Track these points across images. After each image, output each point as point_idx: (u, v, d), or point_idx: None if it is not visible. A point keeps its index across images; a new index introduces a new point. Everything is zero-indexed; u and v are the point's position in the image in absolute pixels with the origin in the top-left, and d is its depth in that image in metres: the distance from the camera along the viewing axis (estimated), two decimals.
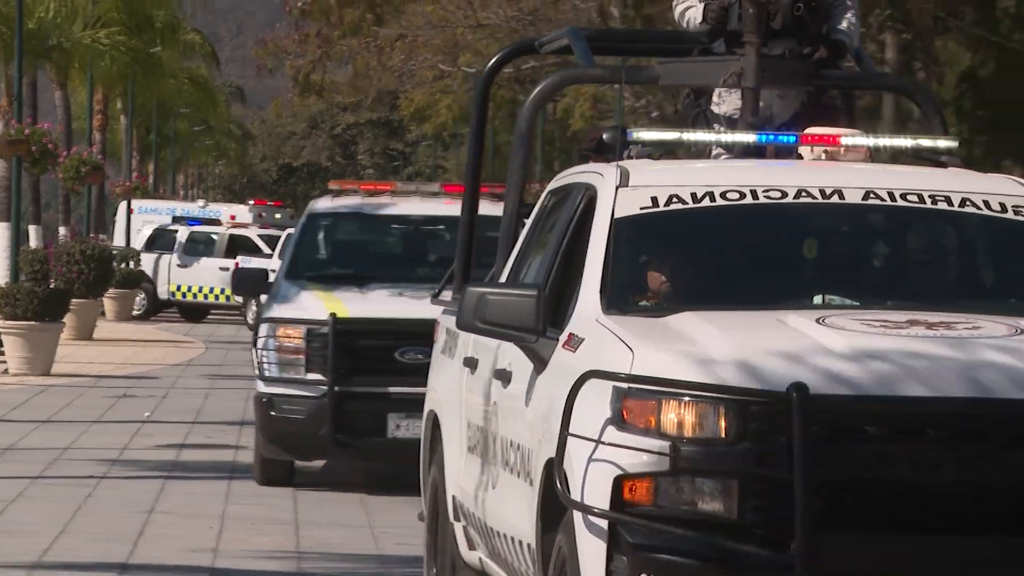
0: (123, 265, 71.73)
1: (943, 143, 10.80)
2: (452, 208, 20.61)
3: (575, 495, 7.37)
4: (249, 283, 26.30)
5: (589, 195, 9.80)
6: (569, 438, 7.43)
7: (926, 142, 10.88)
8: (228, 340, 64.02)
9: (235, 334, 65.86)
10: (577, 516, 7.41)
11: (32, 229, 63.58)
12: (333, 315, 18.30)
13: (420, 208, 22.15)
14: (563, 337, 8.52)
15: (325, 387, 18.24)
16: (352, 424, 18.50)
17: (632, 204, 9.06)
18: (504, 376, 9.72)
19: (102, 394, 42.32)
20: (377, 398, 18.62)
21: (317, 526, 19.68)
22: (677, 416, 7.16)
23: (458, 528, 11.55)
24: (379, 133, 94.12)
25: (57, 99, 76.72)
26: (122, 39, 72.02)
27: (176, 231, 78.89)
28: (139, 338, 64.30)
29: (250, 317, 63.98)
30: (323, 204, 22.37)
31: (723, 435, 7.17)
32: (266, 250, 71.99)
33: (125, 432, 33.93)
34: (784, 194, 9.23)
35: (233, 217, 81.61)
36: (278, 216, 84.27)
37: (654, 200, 9.07)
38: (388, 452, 18.65)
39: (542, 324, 8.58)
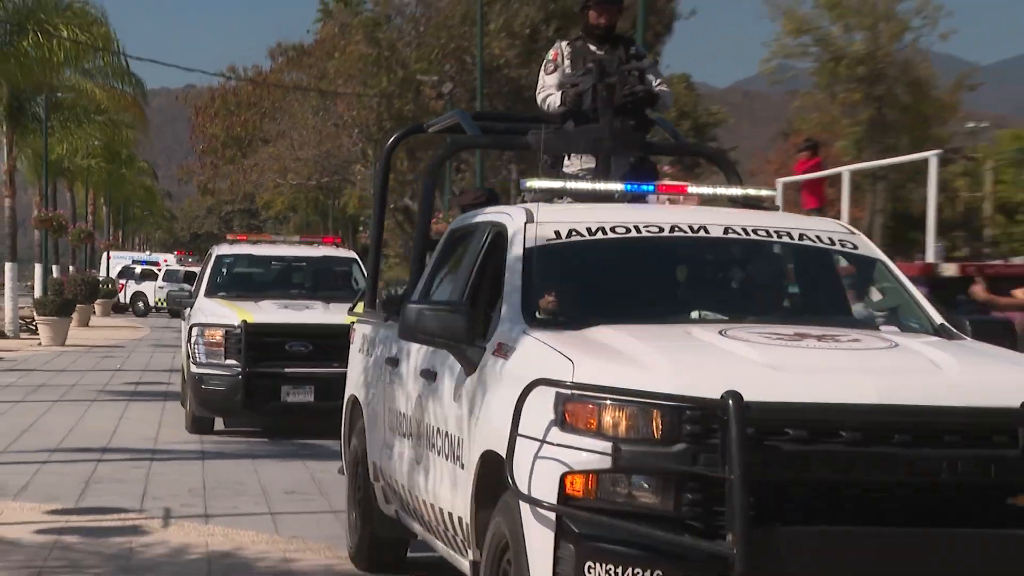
0: (105, 287, 79.66)
1: (765, 192, 11.42)
2: (307, 250, 26.67)
3: (522, 489, 7.41)
4: (175, 300, 27.80)
5: (496, 231, 10.26)
6: (517, 437, 7.47)
7: (752, 191, 11.37)
8: (162, 327, 65.59)
9: (166, 323, 67.49)
10: (524, 506, 7.50)
11: (54, 267, 66.76)
12: (244, 321, 20.92)
13: (287, 250, 26.17)
14: (491, 346, 8.85)
15: (239, 368, 20.53)
16: (256, 393, 20.54)
17: (540, 236, 9.42)
18: (429, 375, 10.09)
19: (94, 355, 46.65)
20: (273, 376, 20.86)
21: (222, 442, 21.50)
22: (618, 419, 7.27)
23: (377, 487, 11.97)
24: (245, 215, 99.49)
25: (68, 197, 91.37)
26: (103, 165, 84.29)
27: (134, 267, 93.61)
28: (113, 325, 68.18)
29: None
30: (224, 248, 25.55)
31: (660, 437, 7.25)
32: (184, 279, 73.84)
33: (107, 375, 37.70)
34: (661, 229, 9.70)
35: (165, 260, 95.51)
36: (190, 260, 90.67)
37: (557, 233, 9.51)
38: (280, 411, 21.29)
39: (471, 335, 9.02)
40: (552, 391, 7.44)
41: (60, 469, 18.81)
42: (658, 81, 11.76)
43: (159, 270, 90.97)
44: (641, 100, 11.40)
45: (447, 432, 9.37)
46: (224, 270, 23.48)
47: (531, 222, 9.44)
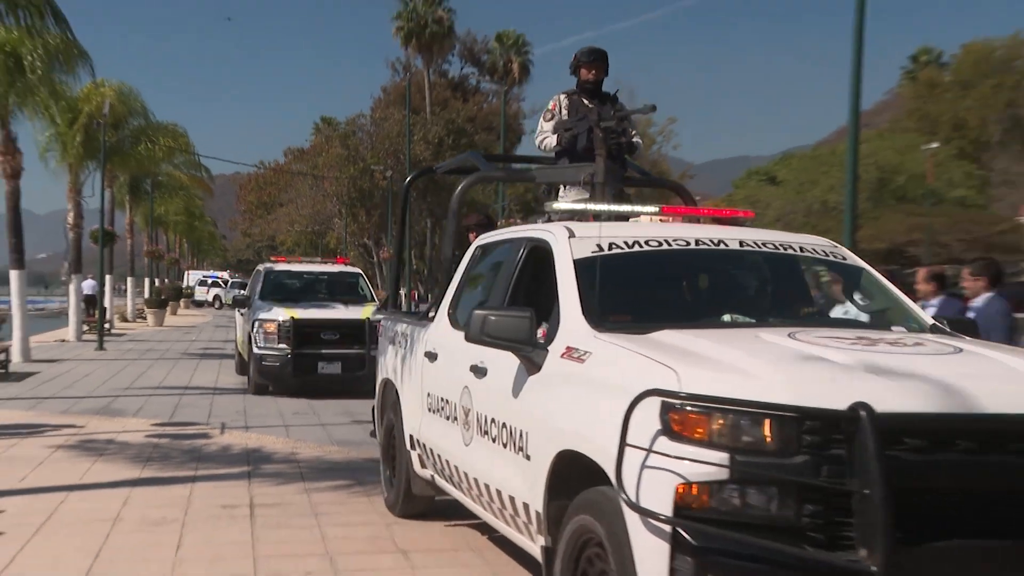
0: (185, 291, 78.15)
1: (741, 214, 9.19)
2: (326, 267, 24.27)
3: (631, 497, 5.24)
4: (237, 300, 24.27)
5: (534, 245, 7.95)
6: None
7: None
8: (219, 315, 63.45)
9: (222, 314, 65.21)
10: (629, 512, 5.31)
11: (156, 280, 66.27)
12: (292, 317, 19.39)
13: (312, 267, 24.18)
14: (557, 349, 6.70)
15: (288, 350, 19.15)
16: (300, 367, 19.35)
17: (584, 249, 7.30)
18: (478, 371, 7.70)
19: (179, 331, 44.37)
20: (312, 355, 19.40)
21: (276, 401, 19.02)
22: (735, 430, 5.17)
23: (413, 454, 9.41)
24: (268, 249, 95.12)
25: (164, 238, 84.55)
26: (185, 219, 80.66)
27: (206, 280, 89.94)
28: (190, 314, 65.82)
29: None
30: (269, 266, 23.39)
31: (779, 448, 5.08)
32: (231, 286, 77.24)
33: (187, 342, 36.50)
34: (688, 243, 7.60)
35: (222, 276, 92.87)
36: (236, 275, 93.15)
37: (599, 246, 7.33)
38: (317, 380, 19.60)
39: (533, 337, 6.92)
40: (657, 400, 5.27)
41: (159, 399, 18.73)
42: (633, 133, 10.12)
43: (222, 281, 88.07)
44: (623, 146, 9.83)
45: (505, 423, 7.25)
46: (271, 281, 22.30)
47: (573, 237, 7.52)
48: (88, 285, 39.70)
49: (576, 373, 6.29)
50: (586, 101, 9.90)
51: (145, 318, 50.56)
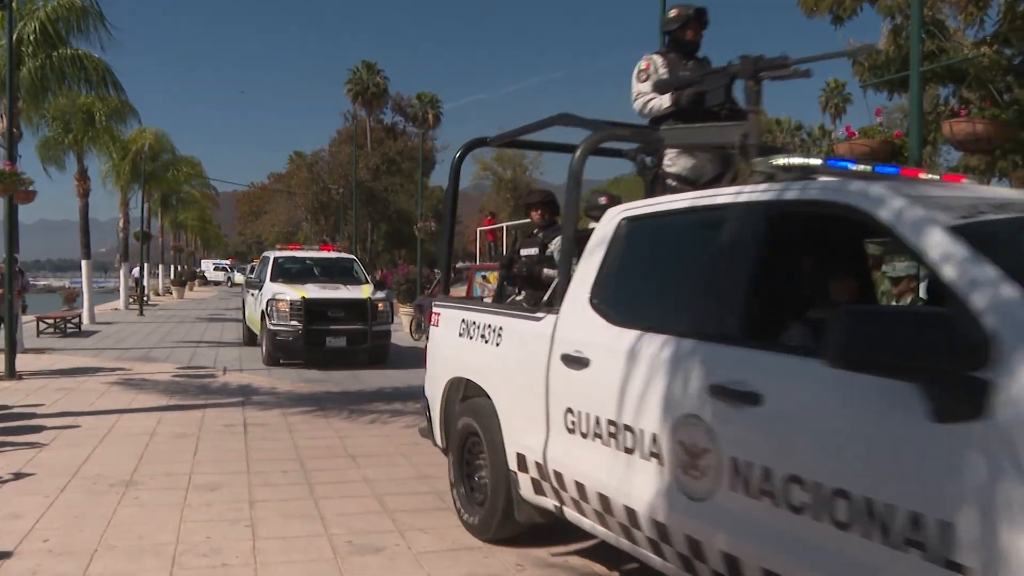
0: (199, 275, 74.44)
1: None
2: (322, 254, 19.91)
3: None
4: (249, 281, 19.72)
5: (822, 211, 3.52)
6: None
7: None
8: (226, 291, 60.62)
9: (227, 291, 61.95)
10: None
11: (172, 267, 61.39)
12: (303, 297, 16.08)
13: (311, 254, 19.69)
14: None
15: (299, 326, 15.88)
16: (311, 341, 16.00)
17: (948, 218, 3.06)
18: (741, 396, 3.37)
19: (194, 303, 42.55)
20: (321, 331, 16.03)
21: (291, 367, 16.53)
22: None
23: (522, 476, 5.07)
24: (256, 245, 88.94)
25: (184, 238, 76.64)
26: (200, 224, 74.86)
27: (217, 266, 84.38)
28: (204, 291, 62.92)
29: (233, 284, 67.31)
30: (276, 253, 19.22)
31: None
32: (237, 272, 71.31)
33: (200, 310, 35.14)
34: None
35: (228, 262, 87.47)
36: (237, 263, 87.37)
37: (965, 214, 3.12)
38: (325, 353, 16.25)
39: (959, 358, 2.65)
40: None
41: (181, 350, 18.50)
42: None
43: (227, 266, 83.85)
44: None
45: (854, 494, 2.92)
46: (279, 265, 18.41)
47: (915, 199, 3.22)
48: (135, 271, 39.14)
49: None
50: (684, 61, 6.51)
51: (171, 293, 49.79)
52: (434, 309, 6.58)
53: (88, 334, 22.11)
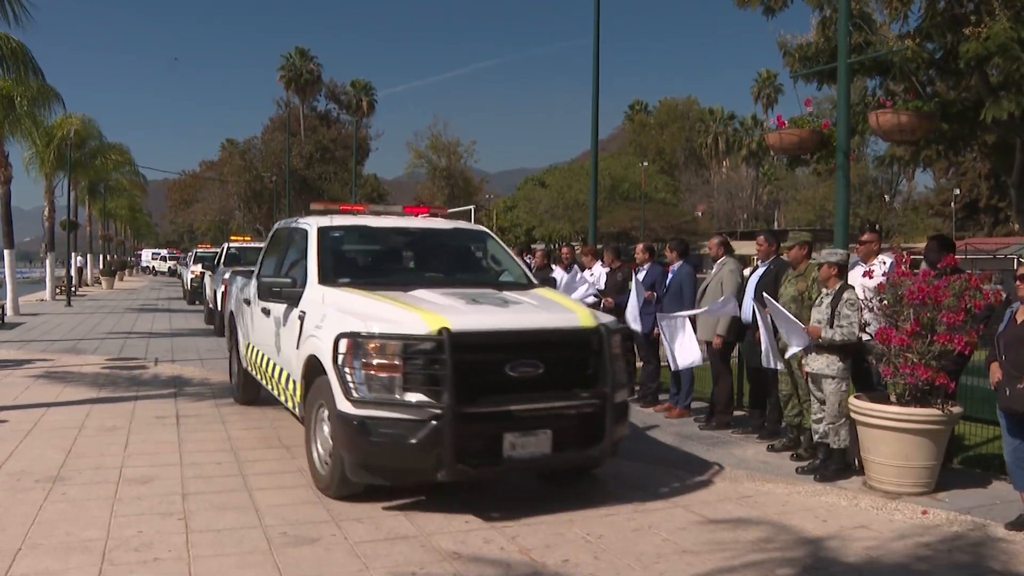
0: (130, 264, 74.65)
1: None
2: (423, 222, 8.46)
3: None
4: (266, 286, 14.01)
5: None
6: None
7: None
8: (158, 281, 60.84)
9: (160, 281, 62.59)
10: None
11: (107, 256, 55.94)
12: (444, 328, 5.90)
13: (394, 222, 8.36)
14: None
15: (437, 405, 5.80)
16: (470, 448, 5.89)
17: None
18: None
19: (124, 293, 42.20)
20: (494, 420, 5.93)
21: (185, 332, 20.02)
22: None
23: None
24: (189, 235, 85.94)
25: (113, 227, 68.24)
26: (129, 213, 72.88)
27: (155, 255, 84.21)
28: (134, 280, 58.95)
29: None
30: (317, 220, 8.24)
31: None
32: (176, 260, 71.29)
33: (130, 301, 33.90)
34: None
35: (166, 251, 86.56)
36: (171, 252, 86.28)
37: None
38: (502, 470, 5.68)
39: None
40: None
41: (110, 342, 18.02)
42: None
43: (166, 255, 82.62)
44: None
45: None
46: (329, 248, 11.73)
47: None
48: (78, 260, 38.70)
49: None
50: None
51: (100, 283, 48.71)
52: None
53: (12, 326, 21.41)
